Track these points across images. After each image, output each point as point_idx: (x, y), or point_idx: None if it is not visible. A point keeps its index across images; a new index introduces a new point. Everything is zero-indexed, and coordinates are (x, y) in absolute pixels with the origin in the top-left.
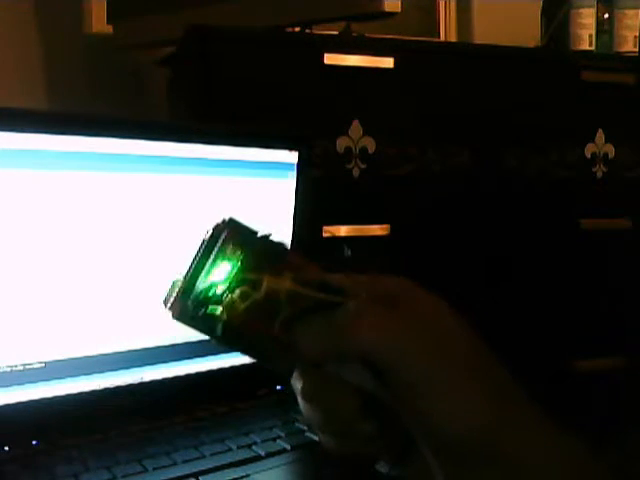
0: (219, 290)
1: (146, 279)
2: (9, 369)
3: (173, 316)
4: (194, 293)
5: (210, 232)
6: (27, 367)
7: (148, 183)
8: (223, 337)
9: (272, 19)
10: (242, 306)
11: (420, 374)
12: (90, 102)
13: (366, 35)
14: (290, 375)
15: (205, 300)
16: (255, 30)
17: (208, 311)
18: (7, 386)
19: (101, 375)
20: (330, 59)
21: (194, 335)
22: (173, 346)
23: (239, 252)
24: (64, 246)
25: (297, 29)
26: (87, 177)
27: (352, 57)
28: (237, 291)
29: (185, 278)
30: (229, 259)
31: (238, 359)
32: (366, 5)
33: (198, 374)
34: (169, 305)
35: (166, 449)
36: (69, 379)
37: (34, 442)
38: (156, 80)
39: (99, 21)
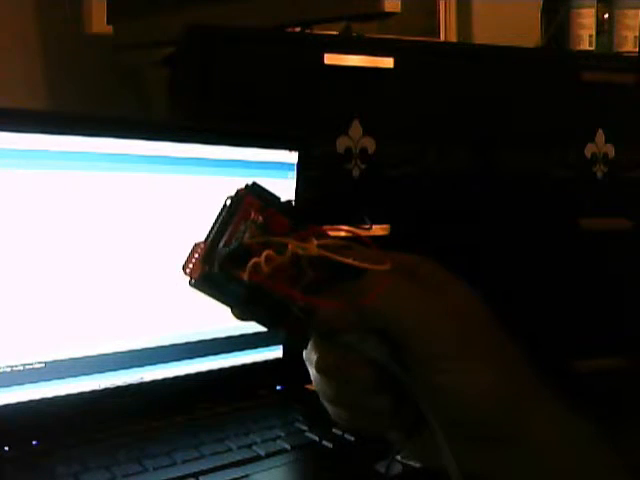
0: (241, 254)
1: (146, 279)
2: (9, 369)
3: (192, 281)
4: (216, 257)
5: (232, 196)
6: (27, 367)
7: (148, 183)
8: (242, 302)
9: (272, 19)
10: (265, 270)
11: (437, 345)
12: (90, 102)
13: (366, 35)
14: (305, 346)
15: (226, 264)
16: (255, 30)
17: (229, 275)
18: (7, 386)
19: (101, 375)
20: (330, 59)
21: (194, 335)
22: (173, 346)
23: (262, 216)
24: (64, 246)
25: (297, 29)
26: (87, 177)
27: (352, 57)
28: (261, 255)
29: (206, 242)
30: (252, 223)
31: (238, 359)
32: (366, 5)
33: (198, 374)
34: (189, 269)
35: (166, 449)
36: (69, 379)
37: (34, 442)
38: (156, 80)
39: (99, 21)
